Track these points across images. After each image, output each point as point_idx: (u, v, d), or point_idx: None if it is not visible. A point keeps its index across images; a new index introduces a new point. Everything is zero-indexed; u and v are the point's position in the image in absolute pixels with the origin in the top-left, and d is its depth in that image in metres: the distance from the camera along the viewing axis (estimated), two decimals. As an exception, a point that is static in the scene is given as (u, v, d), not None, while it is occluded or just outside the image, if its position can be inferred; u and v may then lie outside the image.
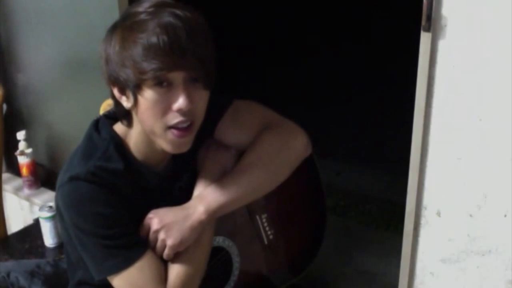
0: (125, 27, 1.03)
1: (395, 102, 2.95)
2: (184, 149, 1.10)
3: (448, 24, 1.22)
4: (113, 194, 1.08)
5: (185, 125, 1.05)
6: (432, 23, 1.23)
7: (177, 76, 1.02)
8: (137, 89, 1.03)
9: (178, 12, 1.02)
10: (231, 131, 1.25)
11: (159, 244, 1.11)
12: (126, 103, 1.08)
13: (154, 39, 0.99)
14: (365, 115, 3.54)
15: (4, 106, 2.22)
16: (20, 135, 2.26)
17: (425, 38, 1.25)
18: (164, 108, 1.03)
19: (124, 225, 1.09)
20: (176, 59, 1.00)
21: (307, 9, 4.70)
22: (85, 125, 1.20)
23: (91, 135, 1.15)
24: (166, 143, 1.08)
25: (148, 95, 1.02)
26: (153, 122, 1.05)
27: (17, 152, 2.27)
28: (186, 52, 1.00)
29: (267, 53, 4.18)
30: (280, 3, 4.41)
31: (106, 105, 1.65)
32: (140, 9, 1.04)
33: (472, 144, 1.28)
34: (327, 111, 3.56)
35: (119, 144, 1.14)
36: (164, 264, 1.12)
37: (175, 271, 1.12)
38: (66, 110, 2.26)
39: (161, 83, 1.01)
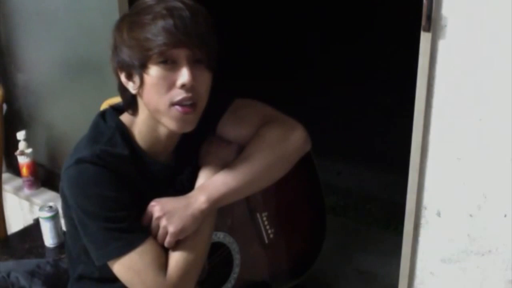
0: (132, 14, 1.11)
1: (395, 102, 2.95)
2: (188, 128, 1.13)
3: (448, 24, 1.22)
4: (117, 177, 1.11)
5: (188, 102, 1.09)
6: (432, 23, 1.23)
7: (181, 54, 1.07)
8: (143, 68, 1.07)
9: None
10: (233, 127, 1.27)
11: (160, 231, 1.13)
12: (132, 88, 1.12)
13: (160, 19, 1.05)
14: (366, 115, 3.54)
15: (4, 106, 2.22)
16: (20, 135, 2.26)
17: (425, 38, 1.25)
18: (169, 84, 1.08)
19: (127, 209, 1.11)
20: (180, 36, 1.05)
21: (307, 9, 4.70)
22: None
23: (97, 123, 1.19)
24: (170, 120, 1.11)
25: (153, 72, 1.07)
26: (158, 99, 1.09)
27: (17, 152, 2.27)
28: (190, 32, 1.06)
29: (267, 52, 4.18)
30: (280, 3, 4.41)
31: (106, 105, 1.65)
32: None
33: (472, 144, 1.28)
34: (327, 111, 3.56)
35: (125, 132, 1.17)
36: (165, 252, 1.14)
37: (175, 258, 1.13)
38: (66, 110, 2.26)
39: (166, 60, 1.06)
